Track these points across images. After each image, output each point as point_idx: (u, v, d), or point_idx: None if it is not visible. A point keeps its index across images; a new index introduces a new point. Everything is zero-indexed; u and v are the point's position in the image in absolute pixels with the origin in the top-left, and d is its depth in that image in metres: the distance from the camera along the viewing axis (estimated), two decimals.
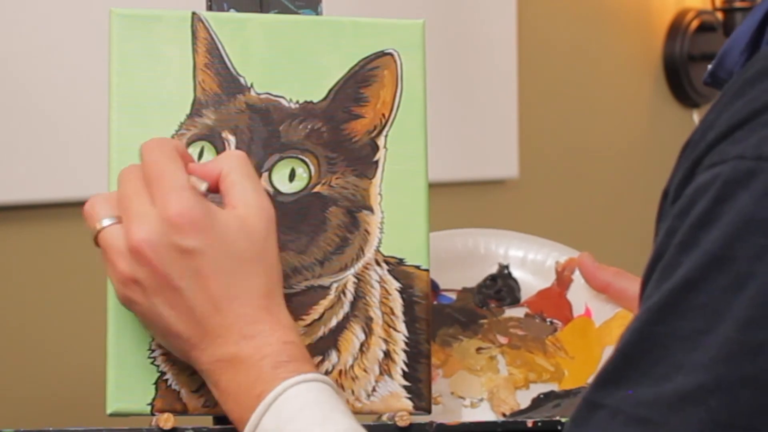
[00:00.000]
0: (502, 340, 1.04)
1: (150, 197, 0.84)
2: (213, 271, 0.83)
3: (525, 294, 1.07)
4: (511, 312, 1.06)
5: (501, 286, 1.06)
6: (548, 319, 1.05)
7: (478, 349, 1.04)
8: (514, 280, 1.07)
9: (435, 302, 1.05)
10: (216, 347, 0.83)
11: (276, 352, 0.83)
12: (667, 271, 0.64)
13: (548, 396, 1.01)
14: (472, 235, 1.09)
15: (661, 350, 0.62)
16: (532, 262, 1.08)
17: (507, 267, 1.07)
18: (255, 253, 0.85)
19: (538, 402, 1.00)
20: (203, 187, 0.86)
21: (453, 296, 1.06)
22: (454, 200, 2.07)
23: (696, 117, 2.48)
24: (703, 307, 0.61)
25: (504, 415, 0.99)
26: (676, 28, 2.43)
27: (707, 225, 0.63)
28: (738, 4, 2.37)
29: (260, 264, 0.85)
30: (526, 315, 1.06)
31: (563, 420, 0.94)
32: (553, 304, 1.06)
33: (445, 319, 1.04)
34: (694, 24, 2.43)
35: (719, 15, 2.41)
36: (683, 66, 2.41)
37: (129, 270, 0.84)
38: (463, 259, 1.07)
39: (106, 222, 0.85)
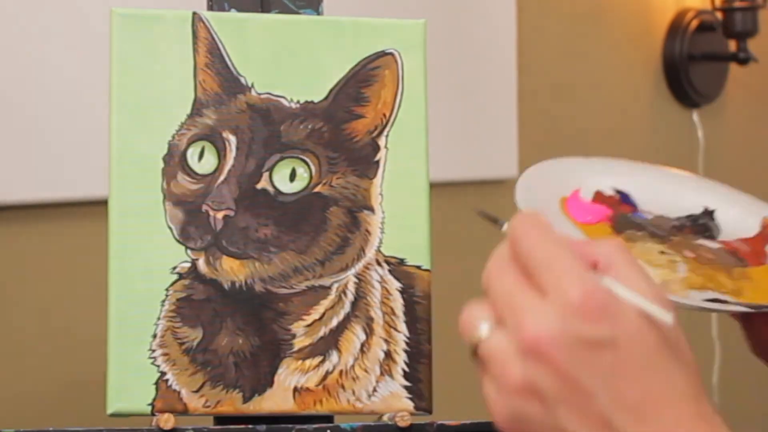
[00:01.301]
0: (689, 254, 0.98)
1: (536, 289, 0.68)
2: (630, 369, 0.67)
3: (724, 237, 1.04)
4: (705, 242, 1.02)
5: (700, 224, 1.03)
6: (742, 259, 1.01)
7: (662, 252, 0.96)
8: (715, 224, 1.04)
9: (629, 213, 1.02)
10: None
11: None
12: None
13: (721, 301, 0.92)
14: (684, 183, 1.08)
15: None
16: (736, 215, 1.06)
17: (713, 212, 1.04)
18: (673, 346, 0.69)
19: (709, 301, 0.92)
20: None
21: (649, 216, 1.02)
22: (453, 200, 2.07)
23: (696, 117, 2.48)
24: None
25: None
26: (675, 28, 2.43)
27: None
28: (738, 4, 2.37)
29: (679, 360, 0.69)
30: (719, 249, 1.02)
31: None
32: (751, 250, 1.01)
33: (635, 226, 0.99)
34: (694, 24, 2.43)
35: (719, 15, 2.41)
36: (683, 66, 2.41)
37: (524, 376, 0.67)
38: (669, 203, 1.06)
39: (484, 328, 0.69)
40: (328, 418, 0.94)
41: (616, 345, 0.66)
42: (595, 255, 0.69)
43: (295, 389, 0.93)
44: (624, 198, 1.05)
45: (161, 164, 0.92)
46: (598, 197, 1.01)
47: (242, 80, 0.94)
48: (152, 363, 0.90)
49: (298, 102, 0.94)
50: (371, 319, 0.94)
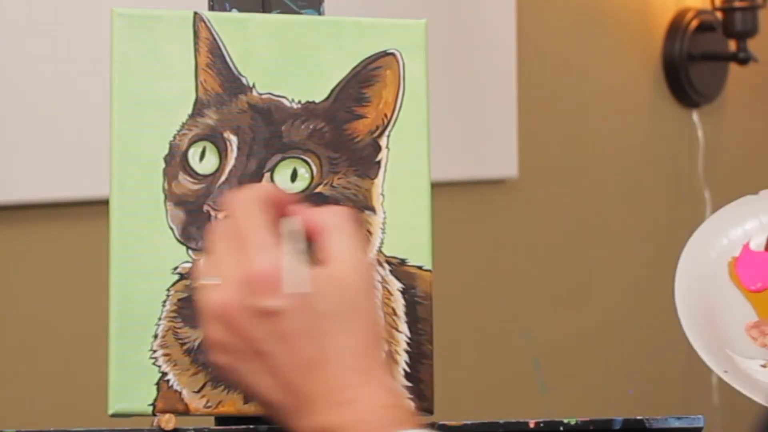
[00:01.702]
0: None
1: (238, 258, 0.80)
2: (299, 333, 0.79)
3: None
4: None
5: None
6: None
7: None
8: None
9: None
10: (313, 416, 0.78)
11: (371, 418, 0.77)
12: None
13: None
14: None
15: None
16: None
17: None
18: (346, 311, 0.80)
19: None
20: (297, 227, 0.82)
21: None
22: (453, 200, 2.07)
23: (695, 117, 2.48)
24: None
25: None
26: (675, 28, 2.43)
27: None
28: (737, 4, 2.37)
29: (353, 323, 0.80)
30: None
31: (565, 421, 0.94)
32: None
33: None
34: (694, 24, 2.43)
35: (719, 14, 2.41)
36: (683, 66, 2.41)
37: (216, 335, 0.80)
38: None
39: (204, 281, 0.81)
40: None
41: (284, 314, 0.78)
42: (318, 220, 0.82)
43: None
44: None
45: (162, 164, 0.92)
46: None
47: (243, 80, 0.94)
48: (153, 363, 0.90)
49: (299, 102, 0.94)
50: None
